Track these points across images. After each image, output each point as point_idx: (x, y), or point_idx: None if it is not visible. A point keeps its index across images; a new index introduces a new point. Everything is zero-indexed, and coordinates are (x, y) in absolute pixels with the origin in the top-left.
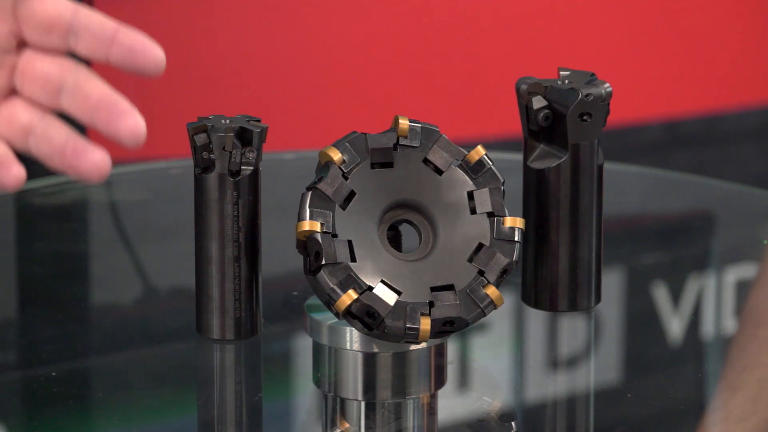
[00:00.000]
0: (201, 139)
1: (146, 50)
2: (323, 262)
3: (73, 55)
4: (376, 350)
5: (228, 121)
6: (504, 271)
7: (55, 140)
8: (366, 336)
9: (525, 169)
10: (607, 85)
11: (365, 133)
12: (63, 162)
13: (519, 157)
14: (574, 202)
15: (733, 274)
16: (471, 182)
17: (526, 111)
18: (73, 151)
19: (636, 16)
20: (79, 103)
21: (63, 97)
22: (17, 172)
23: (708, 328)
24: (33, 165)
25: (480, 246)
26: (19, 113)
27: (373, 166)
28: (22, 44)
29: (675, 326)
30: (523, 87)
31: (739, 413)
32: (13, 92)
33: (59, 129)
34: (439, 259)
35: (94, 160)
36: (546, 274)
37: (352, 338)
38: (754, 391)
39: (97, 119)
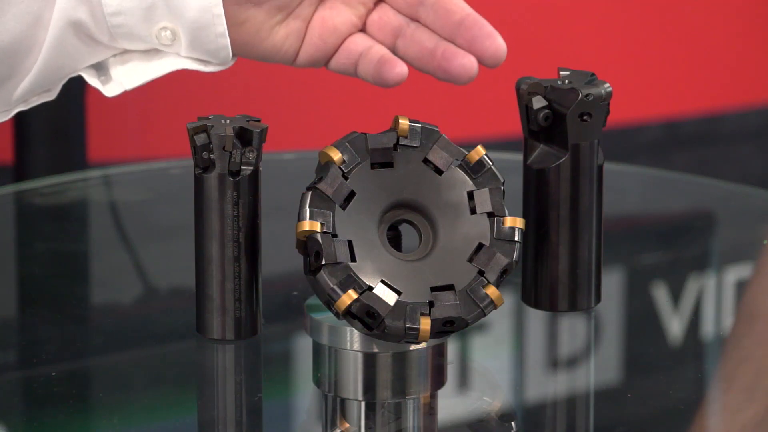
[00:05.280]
0: (201, 139)
1: (487, 36)
2: (323, 262)
3: None
4: (376, 350)
5: (228, 121)
6: (504, 271)
7: (425, 43)
8: (366, 336)
9: (525, 169)
10: (607, 85)
11: (365, 133)
12: (431, 63)
13: (519, 157)
14: (574, 202)
15: (733, 274)
16: (471, 182)
17: (526, 111)
18: (443, 54)
19: (636, 16)
20: (441, 19)
21: (422, 10)
22: (401, 69)
23: (708, 328)
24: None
25: (480, 246)
26: (391, 17)
27: (373, 166)
28: None
29: (675, 326)
30: (523, 87)
31: (735, 405)
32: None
33: (427, 34)
34: (439, 259)
35: (464, 63)
36: (546, 274)
37: (352, 338)
38: (750, 383)
39: (460, 37)
